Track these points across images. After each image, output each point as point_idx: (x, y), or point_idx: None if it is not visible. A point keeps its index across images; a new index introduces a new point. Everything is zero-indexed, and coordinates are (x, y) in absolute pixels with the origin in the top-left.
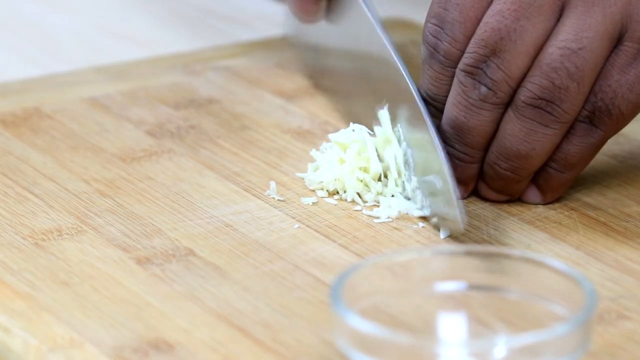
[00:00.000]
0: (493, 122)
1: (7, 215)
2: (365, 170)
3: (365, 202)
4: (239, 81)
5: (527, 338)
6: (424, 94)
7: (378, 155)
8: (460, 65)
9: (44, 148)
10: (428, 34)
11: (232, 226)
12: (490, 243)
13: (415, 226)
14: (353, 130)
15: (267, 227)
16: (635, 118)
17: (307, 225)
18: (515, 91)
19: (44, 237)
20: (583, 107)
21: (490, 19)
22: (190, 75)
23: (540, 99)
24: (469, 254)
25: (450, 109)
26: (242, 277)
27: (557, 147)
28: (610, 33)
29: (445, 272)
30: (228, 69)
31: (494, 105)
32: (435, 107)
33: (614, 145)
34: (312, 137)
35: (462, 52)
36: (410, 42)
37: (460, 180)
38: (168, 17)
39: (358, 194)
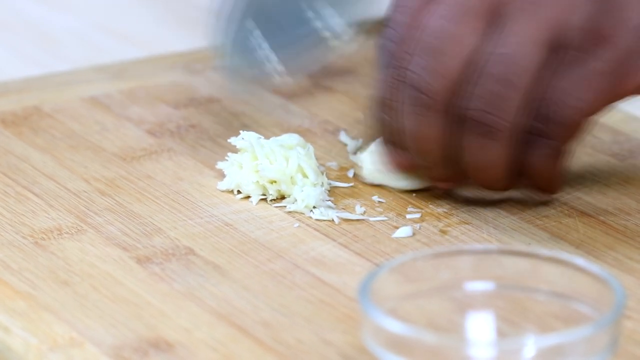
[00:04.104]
0: (437, 127)
1: (7, 214)
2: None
3: (293, 198)
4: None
5: (555, 338)
6: (380, 97)
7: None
8: (396, 69)
9: (44, 147)
10: (383, 39)
11: (232, 225)
12: (490, 242)
13: (416, 226)
14: (242, 138)
15: (267, 226)
16: (634, 117)
17: (307, 224)
18: (455, 96)
19: (44, 236)
20: (533, 119)
21: (430, 21)
22: (190, 74)
23: (480, 110)
24: (497, 253)
25: (401, 116)
26: (242, 276)
27: (523, 163)
28: (546, 40)
29: (473, 272)
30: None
31: (433, 110)
32: (391, 108)
33: (614, 144)
34: (312, 136)
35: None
36: None
37: (436, 181)
38: (168, 16)
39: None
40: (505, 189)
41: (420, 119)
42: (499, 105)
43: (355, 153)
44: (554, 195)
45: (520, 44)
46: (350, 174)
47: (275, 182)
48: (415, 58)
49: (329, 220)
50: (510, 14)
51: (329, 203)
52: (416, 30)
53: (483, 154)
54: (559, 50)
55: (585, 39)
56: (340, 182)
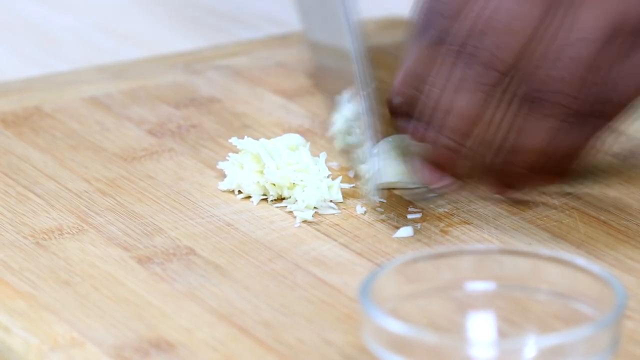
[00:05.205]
0: (483, 107)
1: (8, 214)
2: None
3: (294, 200)
4: (239, 80)
5: (556, 338)
6: (405, 74)
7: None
8: (452, 43)
9: (44, 147)
10: (429, 13)
11: (232, 225)
12: (491, 242)
13: (416, 226)
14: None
15: (268, 226)
16: (635, 117)
17: (308, 224)
18: (508, 76)
19: (45, 236)
20: (584, 100)
21: (482, 1)
22: (191, 74)
23: (538, 90)
24: (498, 253)
25: (441, 91)
26: (243, 276)
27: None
28: (606, 28)
29: (474, 272)
30: (229, 68)
31: (485, 86)
32: (417, 89)
33: (615, 144)
34: (313, 136)
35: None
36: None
37: (450, 172)
38: (169, 16)
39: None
40: (565, 175)
41: (481, 96)
42: (560, 89)
43: (347, 149)
44: (554, 186)
45: (582, 30)
46: (352, 174)
47: (275, 184)
48: (482, 36)
49: (331, 221)
50: (571, 2)
51: (330, 203)
52: (474, 7)
53: (559, 138)
54: (618, 37)
55: None
56: (341, 182)
